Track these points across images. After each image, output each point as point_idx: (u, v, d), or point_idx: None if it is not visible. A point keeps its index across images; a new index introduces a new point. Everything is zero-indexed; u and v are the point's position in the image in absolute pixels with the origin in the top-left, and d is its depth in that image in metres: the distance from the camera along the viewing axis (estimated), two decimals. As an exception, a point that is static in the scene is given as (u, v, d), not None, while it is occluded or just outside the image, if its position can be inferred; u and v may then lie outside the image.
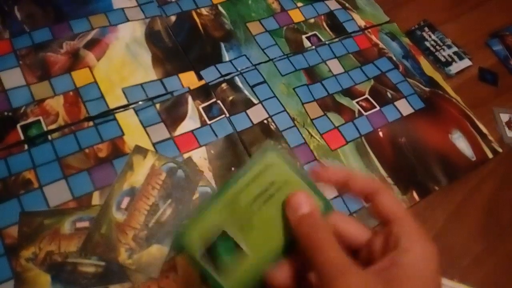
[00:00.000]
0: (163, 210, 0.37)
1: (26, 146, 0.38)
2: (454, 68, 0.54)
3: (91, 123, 0.40)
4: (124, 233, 0.35)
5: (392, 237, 0.25)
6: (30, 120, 0.39)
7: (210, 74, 0.45)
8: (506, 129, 0.51)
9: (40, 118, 0.39)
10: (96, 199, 0.37)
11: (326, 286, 0.23)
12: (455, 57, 0.55)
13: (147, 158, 0.39)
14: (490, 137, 0.48)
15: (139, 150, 0.39)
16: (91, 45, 0.44)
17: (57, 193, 0.36)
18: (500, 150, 0.48)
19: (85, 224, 0.35)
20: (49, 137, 0.39)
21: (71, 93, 0.41)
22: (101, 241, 0.35)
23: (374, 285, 0.23)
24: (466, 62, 0.55)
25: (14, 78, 0.41)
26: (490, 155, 0.47)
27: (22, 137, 0.38)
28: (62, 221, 0.35)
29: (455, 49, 0.55)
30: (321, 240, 0.24)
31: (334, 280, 0.23)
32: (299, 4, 0.53)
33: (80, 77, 0.42)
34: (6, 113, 0.39)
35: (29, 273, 0.33)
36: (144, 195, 0.37)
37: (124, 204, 0.36)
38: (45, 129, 0.39)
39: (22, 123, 0.39)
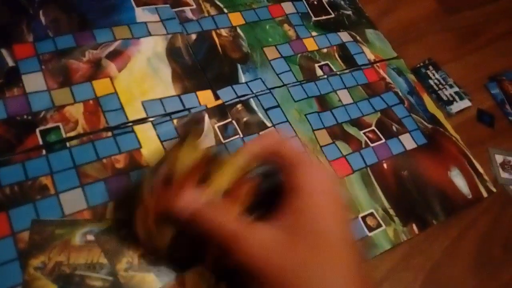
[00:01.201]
0: None
1: (44, 152, 0.38)
2: (455, 107, 0.56)
3: (109, 133, 0.41)
4: (136, 246, 0.36)
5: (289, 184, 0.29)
6: (49, 125, 0.40)
7: (227, 94, 0.47)
8: (500, 170, 0.53)
9: (60, 124, 0.40)
10: (110, 210, 0.37)
11: (232, 252, 0.26)
12: (456, 97, 0.57)
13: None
14: (486, 177, 0.51)
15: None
16: (114, 56, 0.45)
17: (73, 201, 0.37)
18: (494, 190, 0.50)
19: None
20: (68, 144, 0.39)
21: (91, 101, 0.42)
22: (116, 240, 0.35)
23: (278, 236, 0.26)
24: (466, 103, 0.57)
25: (35, 82, 0.41)
26: (485, 194, 0.50)
27: (41, 142, 0.39)
28: (73, 232, 0.35)
29: (456, 89, 0.58)
30: (209, 215, 0.28)
31: (236, 243, 0.26)
32: (314, 34, 0.55)
33: (101, 86, 0.43)
34: (25, 117, 0.40)
35: (37, 282, 0.33)
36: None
37: None
38: (64, 135, 0.39)
39: (41, 128, 0.39)
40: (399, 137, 0.50)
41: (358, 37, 0.58)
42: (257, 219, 0.29)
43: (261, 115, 0.47)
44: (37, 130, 0.39)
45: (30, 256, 0.34)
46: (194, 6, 0.52)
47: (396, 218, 0.45)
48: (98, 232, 0.36)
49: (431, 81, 0.58)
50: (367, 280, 0.28)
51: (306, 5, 0.58)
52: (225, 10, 0.53)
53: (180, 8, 0.51)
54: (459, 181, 0.49)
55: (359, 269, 0.27)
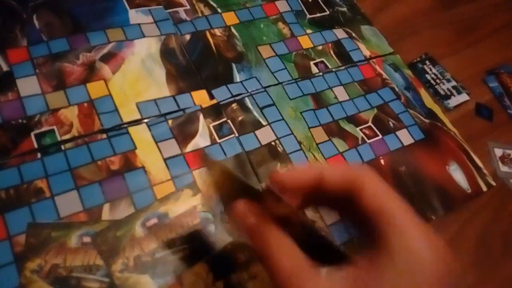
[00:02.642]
0: (175, 251, 0.37)
1: (39, 155, 0.38)
2: (453, 101, 0.56)
3: (104, 136, 0.41)
4: (132, 248, 0.36)
5: (376, 234, 0.20)
6: (44, 129, 0.40)
7: (222, 94, 0.47)
8: (500, 163, 0.53)
9: (54, 127, 0.40)
10: (106, 211, 0.37)
11: None
12: (454, 91, 0.57)
13: (195, 197, 0.39)
14: (485, 171, 0.51)
15: (192, 187, 0.40)
16: (107, 58, 0.45)
17: (68, 204, 0.37)
18: (493, 183, 0.50)
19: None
20: (63, 147, 0.39)
21: (85, 104, 0.42)
22: (111, 241, 0.35)
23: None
24: (464, 97, 0.57)
25: (30, 86, 0.41)
26: (484, 188, 0.49)
27: (36, 146, 0.39)
28: (69, 234, 0.35)
29: (454, 83, 0.58)
30: (272, 247, 0.21)
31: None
32: (308, 31, 0.55)
33: (95, 89, 0.43)
34: (20, 120, 0.40)
35: (33, 285, 0.33)
36: (170, 226, 0.37)
37: (149, 223, 0.37)
38: (58, 138, 0.40)
39: (36, 131, 0.39)
40: (396, 132, 0.50)
41: (353, 34, 0.57)
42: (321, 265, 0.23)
43: (256, 113, 0.46)
44: (32, 134, 0.39)
45: (26, 259, 0.34)
46: (188, 7, 0.52)
47: (394, 214, 0.44)
48: (93, 234, 0.36)
49: (428, 76, 0.58)
50: None
51: (301, 3, 0.57)
52: (219, 10, 0.53)
53: (174, 9, 0.51)
54: (458, 175, 0.49)
55: None
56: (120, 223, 0.37)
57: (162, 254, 0.36)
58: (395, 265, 0.19)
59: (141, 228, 0.37)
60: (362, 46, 0.56)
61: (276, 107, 0.48)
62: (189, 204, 0.39)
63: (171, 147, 0.42)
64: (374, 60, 0.56)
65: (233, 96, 0.47)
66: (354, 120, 0.50)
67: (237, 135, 0.44)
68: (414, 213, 0.21)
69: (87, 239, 0.36)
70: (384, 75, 0.55)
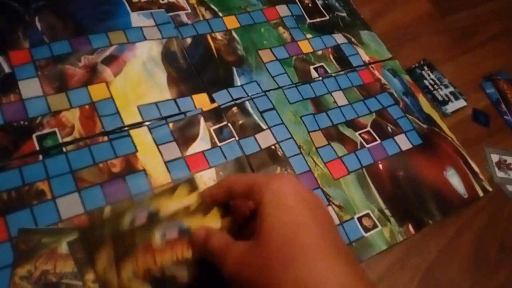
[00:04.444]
0: (184, 270, 0.35)
1: (40, 157, 0.38)
2: (450, 107, 0.57)
3: (105, 138, 0.41)
4: (144, 257, 0.34)
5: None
6: (45, 131, 0.40)
7: (222, 97, 0.47)
8: (496, 169, 0.54)
9: (56, 129, 0.40)
10: (106, 214, 0.37)
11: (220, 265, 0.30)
12: (452, 97, 0.58)
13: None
14: (481, 176, 0.51)
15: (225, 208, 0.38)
16: (109, 60, 0.45)
17: (70, 206, 0.37)
18: (490, 189, 0.51)
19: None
20: (64, 149, 0.39)
21: (87, 106, 0.42)
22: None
23: (251, 252, 0.29)
24: (461, 103, 0.58)
25: (32, 88, 0.42)
26: (480, 194, 0.50)
27: (37, 148, 0.39)
28: (60, 241, 0.35)
29: (451, 89, 0.58)
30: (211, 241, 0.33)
31: (224, 259, 0.30)
32: (308, 36, 0.56)
33: (97, 91, 0.43)
34: (22, 122, 0.40)
35: (23, 291, 0.33)
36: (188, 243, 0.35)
37: (169, 236, 0.35)
38: (60, 141, 0.40)
39: (38, 133, 0.40)
40: (395, 137, 0.51)
41: (352, 39, 0.58)
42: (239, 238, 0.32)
43: (256, 117, 0.47)
44: (34, 136, 0.39)
45: (16, 265, 0.33)
46: (189, 10, 0.52)
47: (392, 219, 0.45)
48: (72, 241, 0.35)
49: (426, 82, 0.58)
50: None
51: (301, 8, 0.58)
52: (220, 14, 0.53)
53: (175, 13, 0.51)
54: (455, 180, 0.50)
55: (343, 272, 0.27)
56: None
57: (169, 272, 0.34)
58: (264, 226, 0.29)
59: (159, 237, 0.35)
60: (361, 51, 0.57)
61: (276, 111, 0.48)
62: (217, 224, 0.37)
63: (172, 150, 0.42)
64: (373, 65, 0.56)
65: (233, 99, 0.47)
66: (353, 124, 0.50)
67: (237, 138, 0.45)
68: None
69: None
70: (383, 80, 0.55)
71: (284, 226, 0.28)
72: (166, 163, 0.41)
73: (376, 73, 0.56)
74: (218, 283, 0.33)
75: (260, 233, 0.29)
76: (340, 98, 0.52)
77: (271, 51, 0.53)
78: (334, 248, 0.28)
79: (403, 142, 0.50)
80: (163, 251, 0.34)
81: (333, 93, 0.52)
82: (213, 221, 0.36)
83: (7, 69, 0.42)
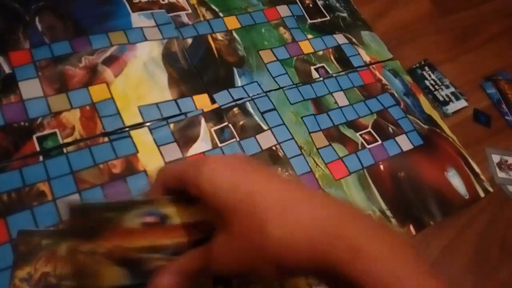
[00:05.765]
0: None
1: (41, 158, 0.38)
2: (451, 108, 0.57)
3: (106, 139, 0.41)
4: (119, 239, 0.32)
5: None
6: (46, 132, 0.40)
7: (223, 98, 0.47)
8: (497, 169, 0.53)
9: (56, 130, 0.40)
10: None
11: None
12: (452, 97, 0.58)
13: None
14: (482, 177, 0.51)
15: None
16: (110, 61, 0.45)
17: (70, 207, 0.37)
18: (491, 189, 0.50)
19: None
20: (65, 150, 0.39)
21: (87, 107, 0.42)
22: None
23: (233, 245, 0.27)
24: (462, 103, 0.58)
25: (32, 88, 0.41)
26: (482, 194, 0.50)
27: (38, 149, 0.39)
28: (60, 242, 0.35)
29: (452, 89, 0.58)
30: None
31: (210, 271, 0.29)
32: (309, 36, 0.56)
33: (97, 92, 0.43)
34: (22, 123, 0.40)
35: (23, 293, 0.33)
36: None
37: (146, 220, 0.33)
38: (61, 141, 0.40)
39: (38, 134, 0.39)
40: (396, 138, 0.50)
41: (353, 39, 0.58)
42: None
43: (257, 118, 0.47)
44: (34, 137, 0.39)
45: (16, 267, 0.33)
46: (190, 11, 0.52)
47: (393, 219, 0.45)
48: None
49: (427, 82, 0.58)
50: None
51: (302, 8, 0.58)
52: (221, 14, 0.53)
53: (176, 13, 0.51)
54: (456, 181, 0.50)
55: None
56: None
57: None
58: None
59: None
60: (362, 52, 0.57)
61: (277, 111, 0.48)
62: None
63: (173, 151, 0.42)
64: (374, 65, 0.56)
65: (234, 100, 0.47)
66: (354, 125, 0.50)
67: (238, 139, 0.45)
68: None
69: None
70: (384, 81, 0.55)
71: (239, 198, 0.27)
72: (167, 164, 0.41)
73: (377, 73, 0.56)
74: None
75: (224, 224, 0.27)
76: (341, 98, 0.52)
77: (272, 51, 0.52)
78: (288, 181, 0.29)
79: (404, 143, 0.50)
80: (140, 234, 0.31)
81: (334, 94, 0.52)
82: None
83: (7, 70, 0.42)
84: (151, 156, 0.41)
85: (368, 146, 0.49)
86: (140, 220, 0.30)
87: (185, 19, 0.51)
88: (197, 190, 0.28)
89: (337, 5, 0.60)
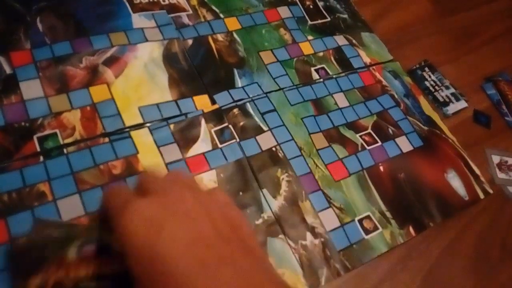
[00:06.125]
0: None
1: (41, 158, 0.38)
2: (451, 108, 0.57)
3: (106, 139, 0.41)
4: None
5: None
6: (46, 132, 0.40)
7: (223, 99, 0.47)
8: (497, 170, 0.53)
9: (57, 131, 0.40)
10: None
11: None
12: (453, 98, 0.58)
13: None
14: (482, 178, 0.51)
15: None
16: (110, 62, 0.45)
17: (70, 207, 0.37)
18: (491, 191, 0.50)
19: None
20: (65, 150, 0.39)
21: (88, 108, 0.42)
22: None
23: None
24: (462, 104, 0.58)
25: (33, 89, 0.42)
26: (481, 196, 0.50)
27: (38, 149, 0.39)
28: (69, 245, 0.34)
29: (452, 90, 0.58)
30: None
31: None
32: (310, 37, 0.56)
33: (98, 93, 0.43)
34: (23, 123, 0.40)
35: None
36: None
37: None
38: (61, 142, 0.40)
39: (39, 134, 0.40)
40: (396, 139, 0.51)
41: (354, 41, 0.58)
42: None
43: (257, 119, 0.47)
44: (35, 137, 0.39)
45: (28, 277, 0.32)
46: (190, 12, 0.52)
47: (393, 221, 0.45)
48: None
49: (427, 83, 0.58)
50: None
51: (302, 9, 0.58)
52: (221, 15, 0.53)
53: (177, 14, 0.51)
54: (456, 183, 0.50)
55: None
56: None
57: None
58: None
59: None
60: (362, 53, 0.57)
61: (277, 112, 0.48)
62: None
63: (173, 152, 0.42)
64: (374, 67, 0.56)
65: (234, 101, 0.47)
66: (354, 126, 0.50)
67: (238, 140, 0.45)
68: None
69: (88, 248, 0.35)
70: (384, 82, 0.55)
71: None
72: (167, 164, 0.41)
73: (377, 74, 0.56)
74: None
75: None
76: (341, 99, 0.52)
77: (272, 52, 0.52)
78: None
79: (404, 144, 0.50)
80: (79, 265, 0.30)
81: (334, 95, 0.52)
82: None
83: (8, 70, 0.42)
84: (151, 157, 0.41)
85: (368, 147, 0.49)
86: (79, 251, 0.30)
87: (185, 20, 0.51)
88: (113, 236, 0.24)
89: (338, 6, 0.60)
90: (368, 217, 0.44)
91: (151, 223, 0.23)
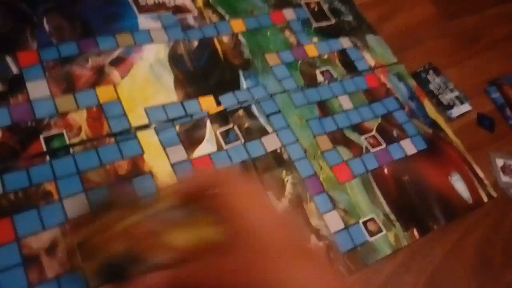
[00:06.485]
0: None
1: (47, 158, 0.39)
2: (455, 111, 0.57)
3: (112, 140, 0.41)
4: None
5: None
6: (53, 132, 0.40)
7: (228, 100, 0.47)
8: (501, 173, 0.53)
9: (63, 131, 0.40)
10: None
11: None
12: (457, 101, 0.58)
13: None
14: (486, 181, 0.51)
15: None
16: (116, 62, 0.45)
17: (76, 207, 0.37)
18: (494, 194, 0.50)
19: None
20: (71, 150, 0.40)
21: (94, 108, 0.42)
22: None
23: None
24: (466, 107, 0.58)
25: (39, 89, 0.42)
26: (485, 199, 0.50)
27: (45, 149, 0.39)
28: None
29: (456, 93, 0.58)
30: None
31: None
32: (314, 40, 0.56)
33: (104, 93, 0.43)
34: (29, 123, 0.40)
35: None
36: None
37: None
38: (67, 142, 0.40)
39: (45, 134, 0.40)
40: (400, 142, 0.51)
41: (358, 43, 0.58)
42: None
43: (262, 121, 0.47)
44: (41, 137, 0.39)
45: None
46: (196, 13, 0.52)
47: (397, 223, 0.45)
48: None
49: (431, 86, 0.58)
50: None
51: (307, 12, 0.58)
52: (227, 17, 0.53)
53: (182, 15, 0.51)
54: (460, 186, 0.50)
55: None
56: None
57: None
58: None
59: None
60: (367, 56, 0.57)
61: (282, 114, 0.48)
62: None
63: (178, 153, 0.42)
64: (378, 69, 0.56)
65: (239, 102, 0.47)
66: (358, 129, 0.50)
67: (243, 141, 0.45)
68: None
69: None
70: (389, 85, 0.55)
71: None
72: (172, 165, 0.41)
73: (382, 77, 0.56)
74: None
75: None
76: (345, 102, 0.52)
77: (277, 54, 0.53)
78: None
79: (408, 147, 0.51)
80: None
81: (339, 97, 0.52)
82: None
83: (15, 70, 0.42)
84: (157, 157, 0.41)
85: (372, 150, 0.49)
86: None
87: (191, 21, 0.51)
88: (227, 203, 0.27)
89: (342, 9, 0.61)
90: (372, 219, 0.44)
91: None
